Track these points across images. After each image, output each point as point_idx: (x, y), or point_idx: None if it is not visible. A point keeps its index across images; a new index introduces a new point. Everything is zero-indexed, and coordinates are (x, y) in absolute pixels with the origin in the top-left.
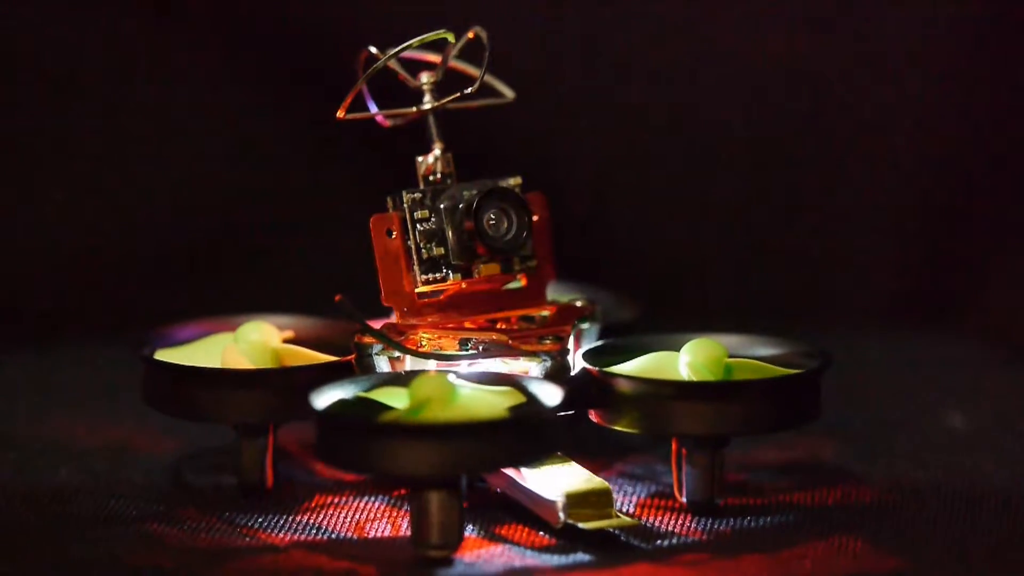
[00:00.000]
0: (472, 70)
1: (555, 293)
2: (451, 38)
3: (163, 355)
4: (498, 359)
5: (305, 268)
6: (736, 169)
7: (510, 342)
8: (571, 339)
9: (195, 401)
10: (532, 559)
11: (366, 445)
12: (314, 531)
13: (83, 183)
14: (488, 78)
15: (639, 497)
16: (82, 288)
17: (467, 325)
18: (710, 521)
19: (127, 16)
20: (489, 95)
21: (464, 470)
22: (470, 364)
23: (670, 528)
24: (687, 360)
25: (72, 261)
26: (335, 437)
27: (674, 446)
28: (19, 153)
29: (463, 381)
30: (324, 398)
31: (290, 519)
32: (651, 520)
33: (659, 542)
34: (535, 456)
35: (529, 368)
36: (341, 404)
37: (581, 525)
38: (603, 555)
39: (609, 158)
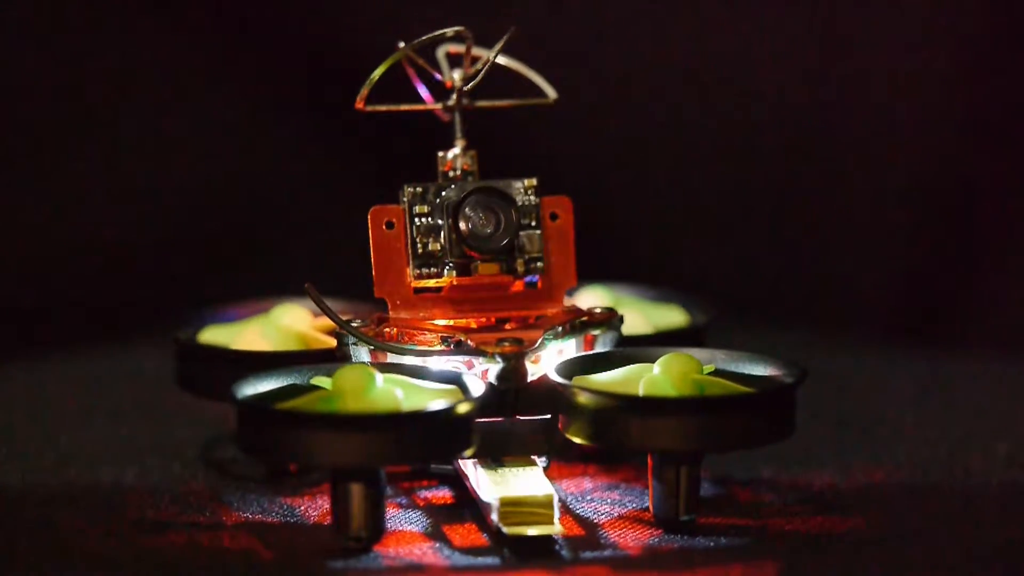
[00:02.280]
0: (519, 68)
1: (609, 298)
2: (467, 35)
3: (210, 334)
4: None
5: (326, 261)
6: (734, 171)
7: (468, 340)
8: (551, 345)
9: (211, 380)
10: (444, 558)
11: (255, 430)
12: (280, 515)
13: (106, 182)
14: (534, 77)
15: (627, 509)
16: (101, 284)
17: (463, 323)
18: (659, 538)
19: (129, 16)
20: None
21: (346, 461)
22: (447, 360)
23: (612, 540)
24: (652, 374)
25: (85, 260)
26: (238, 420)
27: (650, 461)
28: (27, 155)
29: (403, 376)
30: (255, 384)
31: (275, 502)
32: (606, 532)
33: (585, 553)
34: (431, 455)
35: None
36: (266, 392)
37: (504, 529)
38: (510, 561)
39: (603, 160)
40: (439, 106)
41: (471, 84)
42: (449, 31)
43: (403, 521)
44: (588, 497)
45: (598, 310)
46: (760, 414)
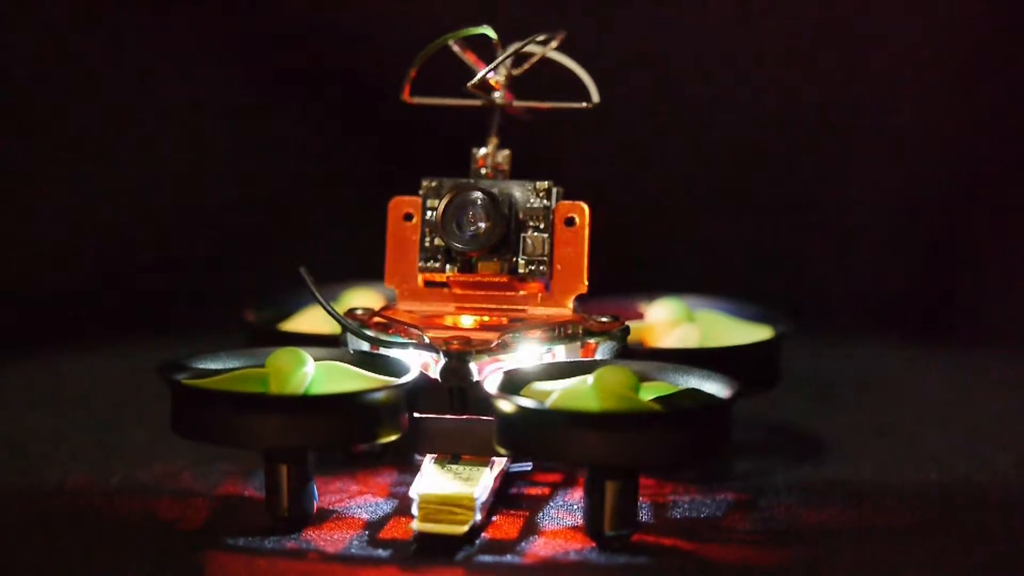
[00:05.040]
0: (572, 67)
1: (681, 311)
2: (492, 34)
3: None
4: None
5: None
6: (733, 170)
7: (424, 336)
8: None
9: None
10: (347, 547)
11: (180, 409)
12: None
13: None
14: (585, 78)
15: None
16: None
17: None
18: (577, 552)
19: (130, 15)
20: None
21: (258, 445)
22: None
23: (525, 548)
24: (584, 385)
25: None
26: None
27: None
28: (31, 155)
29: (341, 363)
30: (216, 362)
31: None
32: (533, 540)
33: (480, 557)
34: (329, 440)
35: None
36: (213, 368)
37: (414, 525)
38: (397, 555)
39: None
40: (480, 102)
41: (475, 81)
42: (453, 35)
43: (364, 509)
44: (572, 506)
45: (604, 319)
46: (663, 433)
